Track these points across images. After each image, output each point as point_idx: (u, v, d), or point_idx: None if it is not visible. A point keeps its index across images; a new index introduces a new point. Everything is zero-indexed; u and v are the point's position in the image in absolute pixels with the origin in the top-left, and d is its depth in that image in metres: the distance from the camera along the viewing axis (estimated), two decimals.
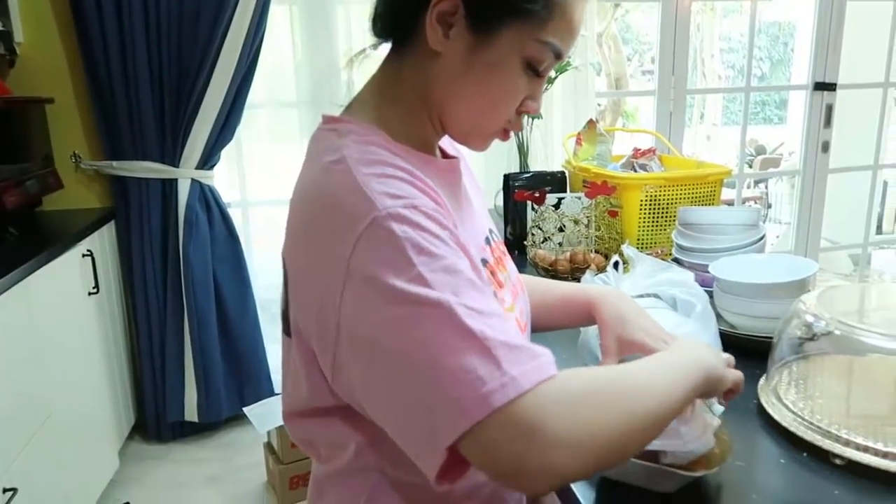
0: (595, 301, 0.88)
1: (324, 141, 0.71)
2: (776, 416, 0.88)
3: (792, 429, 0.85)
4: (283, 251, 0.70)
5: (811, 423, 0.84)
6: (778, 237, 4.39)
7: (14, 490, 1.64)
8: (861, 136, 3.39)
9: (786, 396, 0.91)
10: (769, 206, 5.52)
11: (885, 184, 5.70)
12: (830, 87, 3.07)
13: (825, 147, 3.17)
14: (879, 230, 5.37)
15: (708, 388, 0.71)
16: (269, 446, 2.43)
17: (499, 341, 0.55)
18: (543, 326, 0.94)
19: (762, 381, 0.97)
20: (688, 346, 0.75)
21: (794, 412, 0.87)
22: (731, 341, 1.08)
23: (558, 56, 0.71)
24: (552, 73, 1.94)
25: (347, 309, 0.59)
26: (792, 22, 8.77)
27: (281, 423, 2.30)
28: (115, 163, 2.50)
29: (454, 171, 0.81)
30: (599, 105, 7.25)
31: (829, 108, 3.11)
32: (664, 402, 0.62)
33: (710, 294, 1.18)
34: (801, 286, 1.08)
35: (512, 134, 0.80)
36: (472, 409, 0.53)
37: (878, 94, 3.23)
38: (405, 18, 0.71)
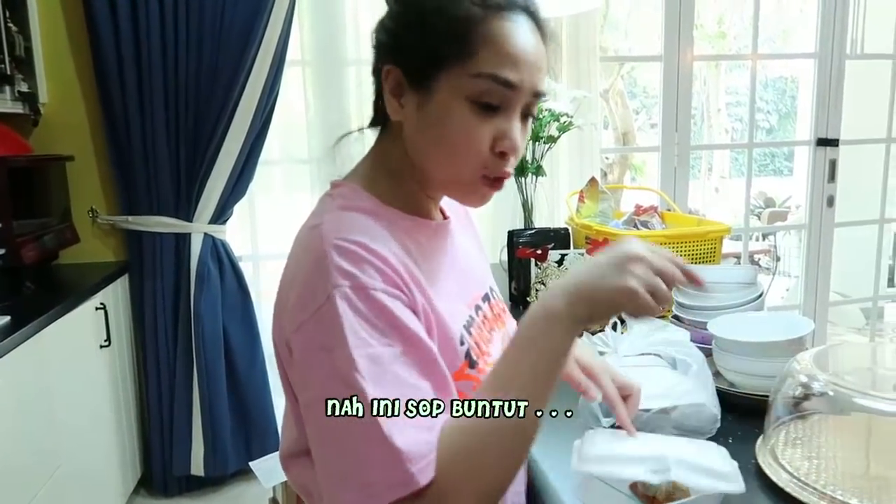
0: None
1: (320, 204, 0.81)
2: (773, 478, 0.88)
3: (789, 490, 0.85)
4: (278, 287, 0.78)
5: (807, 485, 0.85)
6: (788, 290, 4.38)
7: None
8: (868, 189, 3.41)
9: (783, 457, 0.92)
10: (778, 259, 5.52)
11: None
12: (833, 142, 3.11)
13: (830, 201, 3.19)
14: (892, 283, 5.33)
15: (594, 318, 0.67)
16: (273, 502, 2.41)
17: (400, 442, 0.62)
18: None
19: (759, 441, 0.97)
20: (551, 307, 0.67)
21: (790, 473, 0.88)
22: (731, 400, 1.10)
23: (506, 84, 0.72)
24: (554, 133, 2.00)
25: (296, 360, 0.69)
26: (795, 77, 8.91)
27: (286, 477, 2.30)
28: (130, 217, 2.57)
29: (444, 232, 0.86)
30: (607, 159, 7.35)
31: (833, 164, 3.15)
32: (544, 401, 0.67)
33: (709, 352, 1.19)
34: (798, 344, 1.09)
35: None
36: (378, 497, 0.62)
37: (883, 148, 3.27)
38: (380, 104, 0.81)
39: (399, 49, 0.75)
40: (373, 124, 0.86)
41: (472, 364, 0.77)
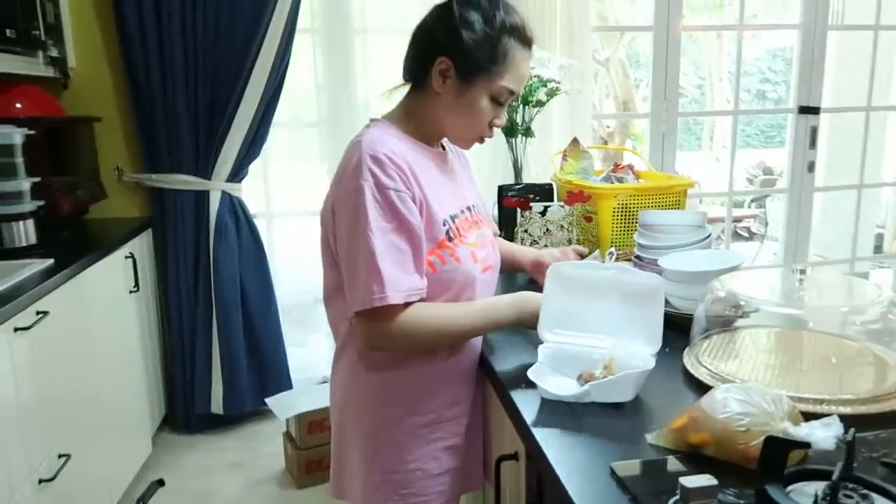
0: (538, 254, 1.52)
1: (362, 131, 1.21)
2: (692, 371, 1.10)
3: (703, 379, 1.07)
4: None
5: (717, 374, 1.06)
6: (775, 254, 4.57)
7: (68, 456, 1.90)
8: (852, 156, 3.57)
9: (703, 359, 1.13)
10: (766, 224, 5.70)
11: (886, 205, 5.83)
12: (814, 110, 3.28)
13: (811, 167, 3.37)
14: (880, 249, 5.50)
15: (521, 324, 1.22)
16: (287, 435, 2.67)
17: (392, 276, 1.08)
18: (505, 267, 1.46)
19: (687, 349, 1.19)
20: (512, 300, 1.22)
21: (706, 368, 1.09)
22: (675, 320, 1.30)
23: (512, 93, 1.20)
24: (543, 97, 2.19)
25: (339, 219, 1.14)
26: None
27: (299, 411, 2.53)
28: (153, 175, 2.78)
29: (443, 158, 1.30)
30: (608, 127, 7.49)
31: (814, 131, 3.31)
32: (470, 334, 1.22)
33: None
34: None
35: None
36: (366, 303, 1.08)
37: (863, 116, 3.43)
38: (422, 72, 1.20)
39: (459, 53, 1.14)
40: (410, 82, 1.24)
41: (450, 239, 1.19)
